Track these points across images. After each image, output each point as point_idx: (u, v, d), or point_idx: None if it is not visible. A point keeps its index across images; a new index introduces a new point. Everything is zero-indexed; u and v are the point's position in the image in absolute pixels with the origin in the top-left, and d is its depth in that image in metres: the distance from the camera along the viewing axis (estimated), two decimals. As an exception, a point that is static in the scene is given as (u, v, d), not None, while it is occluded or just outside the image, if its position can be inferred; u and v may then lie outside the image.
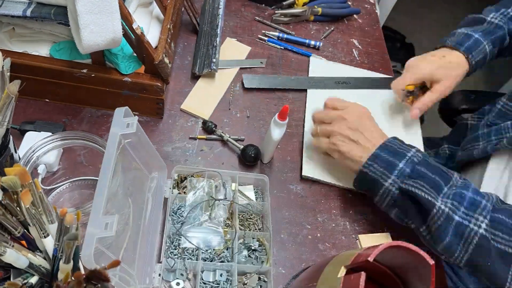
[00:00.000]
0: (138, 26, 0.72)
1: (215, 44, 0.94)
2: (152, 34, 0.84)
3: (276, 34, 1.06)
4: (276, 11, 1.09)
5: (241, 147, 0.83)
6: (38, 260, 0.45)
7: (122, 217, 0.63)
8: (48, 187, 0.71)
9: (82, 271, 0.47)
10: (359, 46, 1.11)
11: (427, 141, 0.94)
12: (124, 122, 0.59)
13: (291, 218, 0.79)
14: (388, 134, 0.80)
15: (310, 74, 1.01)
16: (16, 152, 0.64)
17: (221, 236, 0.71)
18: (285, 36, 1.06)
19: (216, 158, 0.83)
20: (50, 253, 0.46)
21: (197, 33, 1.00)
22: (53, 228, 0.46)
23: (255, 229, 0.75)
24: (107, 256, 0.52)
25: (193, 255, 0.69)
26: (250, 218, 0.76)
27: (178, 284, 0.66)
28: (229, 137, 0.85)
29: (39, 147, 0.65)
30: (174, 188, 0.75)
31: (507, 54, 0.97)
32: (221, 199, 0.74)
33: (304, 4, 1.10)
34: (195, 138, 0.85)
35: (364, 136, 0.76)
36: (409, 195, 0.70)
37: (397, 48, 2.32)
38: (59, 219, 0.44)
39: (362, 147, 0.75)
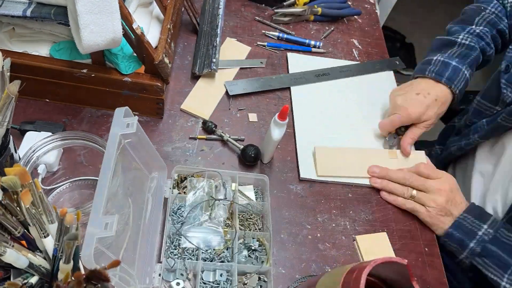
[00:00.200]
0: (138, 26, 0.72)
1: (215, 44, 0.94)
2: (152, 34, 0.84)
3: (276, 34, 1.06)
4: (276, 11, 1.09)
5: (241, 147, 0.83)
6: (38, 260, 0.45)
7: (122, 217, 0.63)
8: (48, 187, 0.71)
9: (82, 271, 0.47)
10: (359, 46, 1.11)
11: (419, 144, 0.96)
12: (124, 122, 0.59)
13: (291, 218, 0.79)
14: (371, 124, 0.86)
15: (290, 71, 1.01)
16: (16, 152, 0.64)
17: (221, 236, 0.71)
18: (285, 36, 1.06)
19: (216, 158, 0.83)
20: (50, 253, 0.46)
21: (197, 33, 1.00)
22: (53, 228, 0.46)
23: (255, 229, 0.75)
24: (107, 256, 0.52)
25: (193, 255, 0.69)
26: (250, 218, 0.76)
27: (178, 284, 0.66)
28: (229, 137, 0.85)
29: (39, 147, 0.65)
30: (174, 188, 0.75)
31: (480, 67, 0.98)
32: (221, 199, 0.74)
33: (305, 4, 1.10)
34: (195, 138, 0.85)
35: (457, 208, 0.80)
36: (479, 270, 0.77)
37: (397, 48, 2.32)
38: (59, 219, 0.44)
39: (452, 217, 0.80)
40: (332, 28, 1.13)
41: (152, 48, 0.75)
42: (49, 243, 0.46)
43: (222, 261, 0.69)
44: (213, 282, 0.67)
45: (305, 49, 1.06)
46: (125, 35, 0.71)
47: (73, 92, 0.80)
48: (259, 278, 0.70)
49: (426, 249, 0.80)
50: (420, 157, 0.90)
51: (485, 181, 0.89)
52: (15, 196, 0.44)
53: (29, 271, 0.45)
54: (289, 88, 0.97)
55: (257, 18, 1.09)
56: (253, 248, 0.72)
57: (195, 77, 0.93)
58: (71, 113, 0.82)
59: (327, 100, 0.97)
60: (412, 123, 0.89)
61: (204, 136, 0.85)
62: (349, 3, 1.19)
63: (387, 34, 1.24)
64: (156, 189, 0.73)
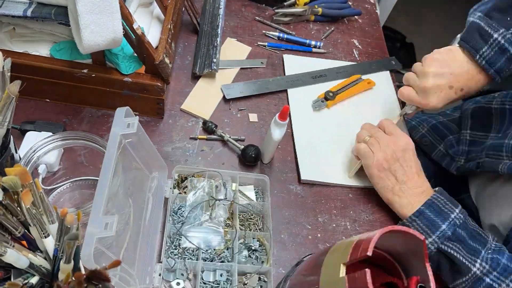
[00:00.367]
0: (139, 26, 0.72)
1: (215, 44, 0.94)
2: (153, 34, 0.84)
3: (276, 34, 1.06)
4: (276, 11, 1.09)
5: (242, 147, 0.83)
6: (38, 260, 0.45)
7: (122, 217, 0.63)
8: (49, 187, 0.71)
9: (83, 271, 0.47)
10: (359, 46, 1.11)
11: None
12: (124, 122, 0.59)
13: (291, 218, 0.79)
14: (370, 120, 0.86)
15: (287, 72, 1.00)
16: (16, 152, 0.64)
17: (221, 236, 0.71)
18: (285, 36, 1.06)
19: (217, 158, 0.83)
20: (51, 253, 0.46)
21: (197, 33, 1.00)
22: (53, 228, 0.46)
23: (256, 229, 0.75)
24: (108, 256, 0.52)
25: (193, 255, 0.69)
26: (251, 218, 0.76)
27: (178, 284, 0.66)
28: (230, 137, 0.85)
29: (40, 147, 0.65)
30: (174, 188, 0.75)
31: None
32: (222, 199, 0.74)
33: (305, 4, 1.10)
34: (195, 138, 0.85)
35: (403, 169, 0.78)
36: (445, 255, 0.72)
37: (397, 48, 2.32)
38: (59, 219, 0.44)
39: (395, 179, 0.78)
40: (332, 28, 1.13)
41: (153, 48, 0.75)
42: (49, 243, 0.46)
43: (222, 261, 0.69)
44: (213, 282, 0.68)
45: (305, 49, 1.06)
46: (126, 35, 0.71)
47: (74, 92, 0.80)
48: (259, 278, 0.70)
49: (426, 250, 0.80)
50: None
51: None
52: (16, 196, 0.44)
53: (29, 271, 0.45)
54: (286, 91, 0.97)
55: (257, 18, 1.09)
56: (253, 248, 0.72)
57: (195, 77, 0.93)
58: (71, 113, 0.82)
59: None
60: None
61: (205, 136, 0.85)
62: (350, 3, 1.19)
63: (387, 34, 1.24)
64: (157, 189, 0.73)
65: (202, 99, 0.90)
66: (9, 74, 0.54)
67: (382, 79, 1.05)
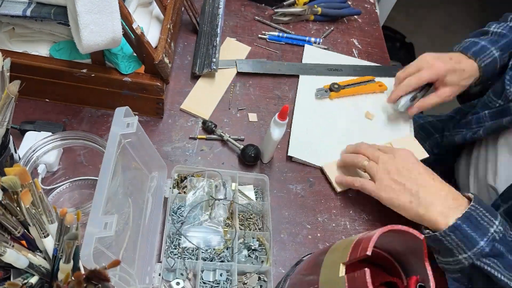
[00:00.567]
0: (138, 26, 0.72)
1: (215, 44, 0.94)
2: (152, 34, 0.84)
3: (276, 34, 1.06)
4: (276, 11, 1.09)
5: (241, 147, 0.83)
6: (38, 260, 0.45)
7: (122, 216, 0.63)
8: (48, 187, 0.71)
9: (82, 271, 0.47)
10: (359, 46, 1.11)
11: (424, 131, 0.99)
12: (124, 122, 0.59)
13: (291, 218, 0.79)
14: (380, 123, 0.88)
15: (304, 61, 1.02)
16: (16, 152, 0.64)
17: (221, 236, 0.71)
18: (285, 35, 1.06)
19: (216, 158, 0.83)
20: (50, 253, 0.46)
21: (197, 33, 1.00)
22: (53, 228, 0.46)
23: (255, 228, 0.75)
24: (107, 255, 0.52)
25: (193, 255, 0.69)
26: (250, 218, 0.76)
27: (178, 283, 0.66)
28: (229, 137, 0.85)
29: (39, 147, 0.65)
30: (174, 187, 0.75)
31: None
32: (221, 199, 0.74)
33: (305, 3, 1.10)
34: (195, 138, 0.85)
35: (411, 178, 0.74)
36: (481, 270, 0.67)
37: (397, 47, 2.32)
38: (59, 219, 0.44)
39: (409, 192, 0.73)
40: (332, 28, 1.13)
41: (152, 48, 0.75)
42: (49, 243, 0.46)
43: (222, 261, 0.69)
44: (213, 282, 0.68)
45: (306, 44, 1.06)
46: (125, 35, 0.71)
47: (73, 92, 0.80)
48: (259, 278, 0.70)
49: (426, 249, 0.80)
50: (411, 141, 0.92)
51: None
52: (15, 196, 0.44)
53: (29, 271, 0.45)
54: (297, 77, 0.99)
55: (256, 17, 1.09)
56: (253, 247, 0.72)
57: (195, 77, 0.93)
58: (71, 113, 0.82)
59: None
60: (437, 79, 0.89)
61: (204, 136, 0.85)
62: (349, 2, 1.19)
63: (387, 34, 1.24)
64: (156, 188, 0.73)
65: (201, 99, 0.90)
66: (8, 74, 0.54)
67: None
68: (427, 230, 0.71)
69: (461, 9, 2.80)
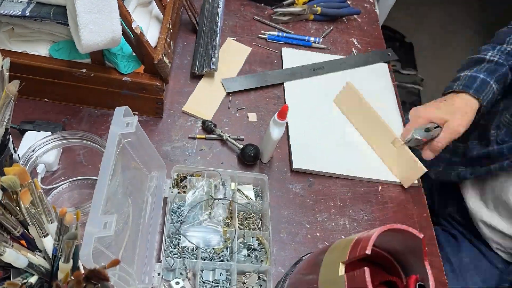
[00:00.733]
0: (137, 25, 0.72)
1: (214, 43, 0.94)
2: (152, 33, 0.84)
3: (276, 33, 1.06)
4: (275, 10, 1.09)
5: (241, 146, 0.83)
6: (37, 259, 0.45)
7: (121, 216, 0.63)
8: (48, 187, 0.71)
9: (82, 271, 0.47)
10: (359, 46, 1.11)
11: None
12: (123, 121, 0.59)
13: (290, 217, 0.79)
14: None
15: (284, 66, 1.01)
16: (15, 151, 0.64)
17: (221, 235, 0.71)
18: (285, 35, 1.06)
19: (216, 158, 0.83)
20: (50, 252, 0.46)
21: (196, 32, 1.00)
22: (52, 227, 0.46)
23: (255, 228, 0.75)
24: (107, 255, 0.52)
25: (192, 254, 0.69)
26: (250, 218, 0.76)
27: (177, 283, 0.66)
28: (229, 136, 0.85)
29: (39, 147, 0.65)
30: (173, 187, 0.75)
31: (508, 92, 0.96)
32: (221, 199, 0.74)
33: (304, 3, 1.10)
34: (194, 138, 0.85)
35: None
36: None
37: (396, 47, 2.32)
38: (58, 218, 0.44)
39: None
40: (331, 28, 1.13)
41: (152, 47, 0.75)
42: (48, 243, 0.46)
43: (222, 260, 0.69)
44: (212, 281, 0.68)
45: (305, 43, 1.07)
46: (124, 34, 0.71)
47: (73, 91, 0.80)
48: (259, 277, 0.70)
49: (426, 248, 0.80)
50: (418, 169, 0.85)
51: None
52: (15, 196, 0.44)
53: (28, 270, 0.45)
54: (282, 84, 0.98)
55: (256, 17, 1.09)
56: (252, 247, 0.72)
57: (194, 77, 0.93)
58: (70, 113, 0.82)
59: (321, 94, 0.98)
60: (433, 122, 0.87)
61: (204, 136, 0.85)
62: (349, 2, 1.19)
63: (386, 34, 1.24)
64: (156, 188, 0.73)
65: (203, 100, 0.90)
66: (7, 73, 0.54)
67: (380, 71, 1.06)
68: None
69: (461, 8, 2.80)
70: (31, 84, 0.76)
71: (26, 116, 0.78)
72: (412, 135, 0.85)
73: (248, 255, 0.71)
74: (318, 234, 0.78)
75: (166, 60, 0.78)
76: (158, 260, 0.68)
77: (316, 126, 0.92)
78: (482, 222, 0.95)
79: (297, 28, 1.10)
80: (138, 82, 0.77)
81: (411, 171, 0.85)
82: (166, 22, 0.82)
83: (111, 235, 0.50)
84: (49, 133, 0.71)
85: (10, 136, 0.60)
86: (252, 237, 0.73)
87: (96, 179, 0.54)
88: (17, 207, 0.44)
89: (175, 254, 0.69)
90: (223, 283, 0.68)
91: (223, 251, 0.70)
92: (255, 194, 0.79)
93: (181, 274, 0.67)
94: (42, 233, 0.45)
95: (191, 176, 0.76)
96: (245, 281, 0.69)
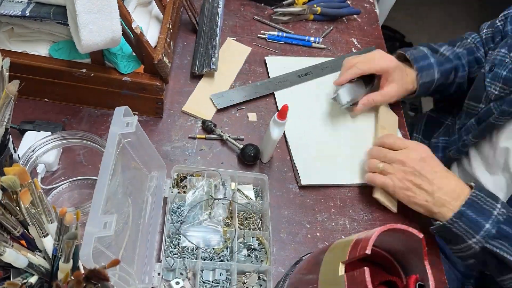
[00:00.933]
0: (137, 25, 0.72)
1: (214, 43, 0.94)
2: (151, 33, 0.84)
3: (276, 33, 1.06)
4: (275, 10, 1.09)
5: (241, 146, 0.83)
6: (37, 259, 0.45)
7: (121, 216, 0.63)
8: (48, 187, 0.71)
9: (82, 271, 0.47)
10: (359, 45, 1.11)
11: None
12: (123, 121, 0.59)
13: (290, 217, 0.79)
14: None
15: (271, 75, 0.98)
16: (15, 151, 0.64)
17: (221, 235, 0.71)
18: (285, 34, 1.06)
19: (216, 158, 0.83)
20: (50, 252, 0.46)
21: (196, 32, 1.00)
22: (52, 227, 0.46)
23: (255, 228, 0.75)
24: (107, 255, 0.52)
25: (192, 254, 0.69)
26: (250, 217, 0.76)
27: (177, 283, 0.66)
28: (229, 136, 0.85)
29: (39, 147, 0.65)
30: (173, 187, 0.75)
31: (452, 92, 1.01)
32: (221, 198, 0.74)
33: (304, 3, 1.10)
34: (194, 138, 0.85)
35: (427, 179, 0.75)
36: (491, 253, 0.71)
37: (396, 47, 2.31)
38: (58, 218, 0.44)
39: (424, 191, 0.75)
40: (331, 28, 1.13)
41: (151, 47, 0.75)
42: (48, 243, 0.46)
43: (222, 260, 0.69)
44: (212, 281, 0.68)
45: (305, 43, 1.07)
46: (124, 34, 0.71)
47: (73, 91, 0.80)
48: (259, 277, 0.70)
49: (426, 248, 0.80)
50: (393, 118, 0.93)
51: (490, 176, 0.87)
52: (15, 196, 0.44)
53: (28, 270, 0.45)
54: (273, 94, 0.95)
55: (256, 17, 1.09)
56: (252, 247, 0.72)
57: (194, 77, 0.93)
58: (70, 113, 0.82)
59: (313, 100, 0.96)
60: (386, 72, 0.90)
61: (204, 136, 0.85)
62: (349, 2, 1.19)
63: (386, 33, 1.24)
64: (156, 188, 0.73)
65: (203, 100, 0.90)
66: (7, 73, 0.54)
67: None
68: (437, 222, 0.76)
69: (460, 8, 2.80)
70: (31, 84, 0.76)
71: (26, 116, 0.78)
72: (342, 96, 0.88)
73: (248, 255, 0.71)
74: (318, 234, 0.78)
75: (166, 60, 0.78)
76: (158, 260, 0.68)
77: (315, 134, 0.90)
78: None
79: (297, 28, 1.10)
80: (138, 82, 0.77)
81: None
82: (166, 22, 0.82)
83: (111, 235, 0.50)
84: (49, 133, 0.71)
85: (10, 136, 0.60)
86: (252, 237, 0.73)
87: (96, 179, 0.54)
88: (17, 207, 0.44)
89: (175, 254, 0.69)
90: (223, 283, 0.68)
91: (223, 251, 0.70)
92: (255, 194, 0.79)
93: (181, 274, 0.67)
94: (42, 233, 0.45)
95: (191, 176, 0.76)
96: (245, 281, 0.69)
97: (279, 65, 1.00)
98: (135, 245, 0.65)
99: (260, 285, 0.69)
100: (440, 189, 0.75)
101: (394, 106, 0.99)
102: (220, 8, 0.99)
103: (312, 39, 1.07)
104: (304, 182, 0.82)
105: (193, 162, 0.82)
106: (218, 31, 0.96)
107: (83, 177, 0.74)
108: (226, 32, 1.04)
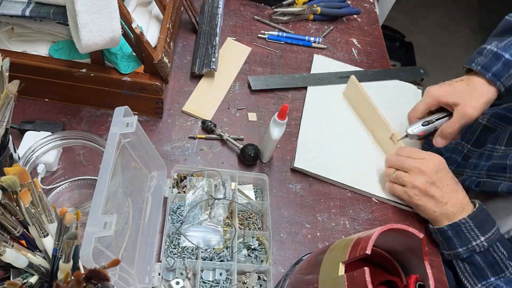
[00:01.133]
0: (137, 25, 0.72)
1: (214, 43, 0.94)
2: (151, 33, 0.84)
3: (276, 33, 1.06)
4: (275, 10, 1.09)
5: (241, 146, 0.83)
6: (37, 259, 0.45)
7: (121, 216, 0.63)
8: (48, 187, 0.71)
9: (82, 271, 0.47)
10: (359, 45, 1.11)
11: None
12: (123, 121, 0.59)
13: (290, 217, 0.79)
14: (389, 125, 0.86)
15: (312, 71, 1.01)
16: (15, 151, 0.64)
17: (221, 235, 0.71)
18: (284, 34, 1.06)
19: (216, 158, 0.83)
20: (50, 252, 0.46)
21: (196, 32, 1.00)
22: (52, 227, 0.46)
23: (255, 228, 0.75)
24: (107, 255, 0.52)
25: (192, 254, 0.69)
26: (250, 217, 0.76)
27: (177, 283, 0.66)
28: (229, 136, 0.85)
29: (39, 147, 0.65)
30: (173, 187, 0.75)
31: None
32: (221, 198, 0.74)
33: (304, 3, 1.10)
34: (194, 138, 0.85)
35: (440, 191, 0.76)
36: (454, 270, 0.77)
37: (396, 47, 2.32)
38: (58, 218, 0.44)
39: (436, 202, 0.76)
40: (331, 27, 1.13)
41: (151, 47, 0.75)
42: (48, 243, 0.46)
43: (222, 260, 0.69)
44: (212, 281, 0.68)
45: (305, 43, 1.06)
46: (124, 34, 0.71)
47: (72, 91, 0.80)
48: (259, 277, 0.70)
49: (426, 248, 0.80)
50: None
51: None
52: (15, 196, 0.44)
53: (28, 270, 0.45)
54: (304, 88, 0.98)
55: (256, 17, 1.09)
56: (252, 247, 0.72)
57: (194, 77, 0.93)
58: (70, 113, 0.82)
59: (340, 101, 0.98)
60: (445, 103, 0.81)
61: (204, 136, 0.85)
62: (349, 2, 1.19)
63: (386, 33, 1.24)
64: (156, 188, 0.73)
65: (203, 100, 0.90)
66: (7, 73, 0.54)
67: (408, 87, 1.05)
68: (431, 225, 0.80)
69: (460, 8, 2.80)
70: (31, 84, 0.76)
71: (26, 116, 0.78)
72: (406, 132, 0.84)
73: (248, 255, 0.71)
74: (318, 234, 0.78)
75: (166, 60, 0.78)
76: (158, 260, 0.68)
77: (328, 132, 0.91)
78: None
79: (297, 28, 1.10)
80: (138, 82, 0.77)
81: None
82: (166, 22, 0.82)
83: (111, 235, 0.50)
84: (49, 133, 0.70)
85: (10, 136, 0.60)
86: (252, 237, 0.73)
87: (96, 179, 0.54)
88: (17, 207, 0.44)
89: (175, 254, 0.69)
90: (223, 283, 0.68)
91: (223, 251, 0.70)
92: (255, 194, 0.79)
93: (181, 274, 0.67)
94: (42, 233, 0.45)
95: (191, 176, 0.76)
96: (245, 281, 0.69)
97: (324, 64, 1.04)
98: (135, 245, 0.65)
99: (260, 285, 0.69)
100: (450, 203, 0.76)
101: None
102: (220, 8, 0.99)
103: (312, 39, 1.07)
104: (296, 164, 0.83)
105: (193, 162, 0.82)
106: (218, 31, 0.96)
107: (83, 177, 0.74)
108: (226, 32, 1.04)
